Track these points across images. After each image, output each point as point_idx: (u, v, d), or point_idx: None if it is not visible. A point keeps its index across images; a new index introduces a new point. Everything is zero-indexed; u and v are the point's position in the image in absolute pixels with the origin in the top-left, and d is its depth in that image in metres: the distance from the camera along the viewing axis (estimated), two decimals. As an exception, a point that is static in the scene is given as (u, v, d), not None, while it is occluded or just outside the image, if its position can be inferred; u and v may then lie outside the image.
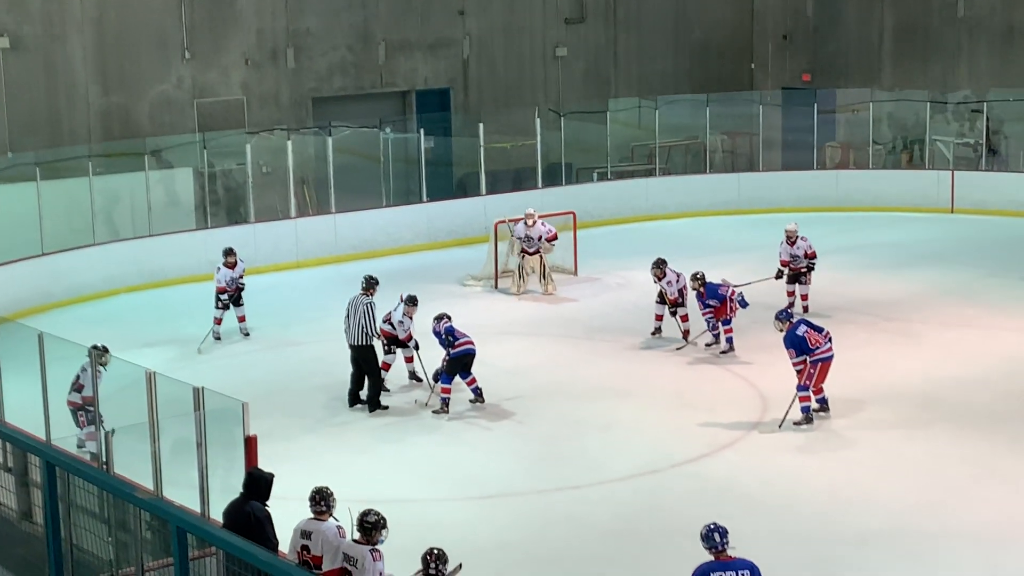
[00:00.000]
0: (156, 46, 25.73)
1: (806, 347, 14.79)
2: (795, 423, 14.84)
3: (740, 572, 8.86)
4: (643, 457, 14.27)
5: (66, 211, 22.57)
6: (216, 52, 26.35)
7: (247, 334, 19.25)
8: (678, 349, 17.92)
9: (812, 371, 14.83)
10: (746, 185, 28.23)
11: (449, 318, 16.01)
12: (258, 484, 9.69)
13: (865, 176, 28.41)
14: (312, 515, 9.57)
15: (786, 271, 19.37)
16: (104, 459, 9.60)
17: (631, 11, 31.87)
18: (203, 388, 9.59)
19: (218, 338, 19.04)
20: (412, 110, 28.86)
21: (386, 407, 15.96)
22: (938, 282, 21.36)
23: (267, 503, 9.68)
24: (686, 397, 16.14)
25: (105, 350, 13.36)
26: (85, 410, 13.48)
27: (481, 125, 26.35)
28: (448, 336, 15.77)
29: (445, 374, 15.82)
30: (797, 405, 14.86)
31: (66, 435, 10.53)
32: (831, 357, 14.94)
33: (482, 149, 26.16)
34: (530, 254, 21.26)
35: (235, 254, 19.19)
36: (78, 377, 13.62)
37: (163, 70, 25.82)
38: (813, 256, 19.40)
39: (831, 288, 20.95)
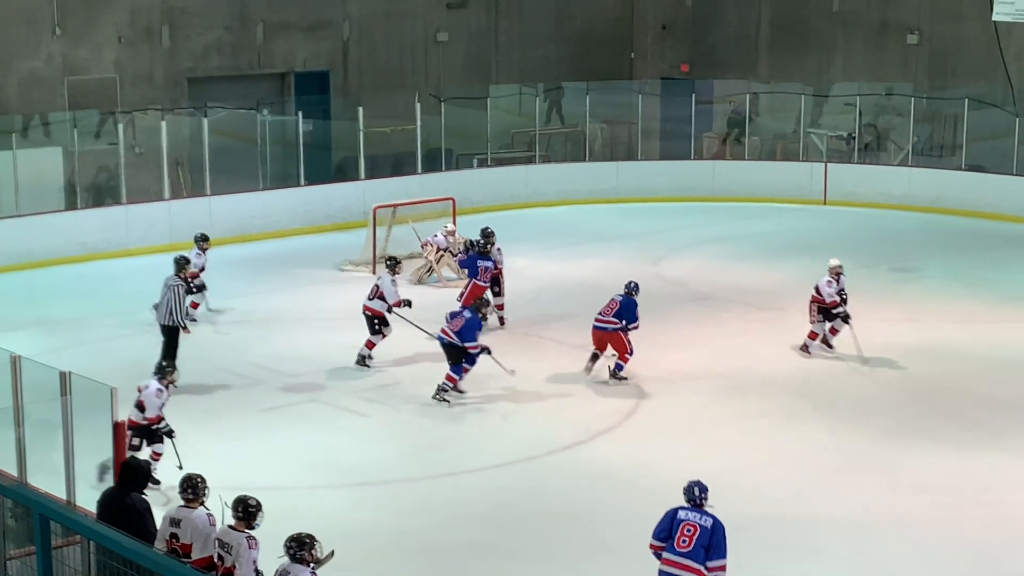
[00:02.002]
0: (25, 21, 25.03)
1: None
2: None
3: (703, 517, 9.61)
4: (520, 443, 14.26)
5: (-70, 189, 21.92)
6: (88, 29, 25.71)
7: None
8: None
9: None
10: (625, 174, 28.41)
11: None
12: (136, 474, 9.46)
13: (741, 167, 28.77)
14: (182, 503, 9.37)
15: (841, 309, 17.07)
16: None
17: (513, -2, 31.88)
18: (70, 372, 9.36)
19: (194, 320, 18.37)
20: (290, 92, 28.52)
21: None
22: (811, 272, 21.50)
23: (144, 492, 9.47)
24: (563, 383, 16.16)
25: (173, 368, 12.93)
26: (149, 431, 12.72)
27: (360, 109, 26.14)
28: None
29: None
30: None
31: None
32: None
33: (361, 133, 25.93)
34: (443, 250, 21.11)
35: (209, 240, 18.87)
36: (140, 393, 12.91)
37: (32, 46, 25.12)
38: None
39: (706, 277, 21.20)
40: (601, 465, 13.67)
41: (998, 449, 14.00)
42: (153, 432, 12.77)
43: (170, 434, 12.81)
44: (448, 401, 15.42)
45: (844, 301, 17.06)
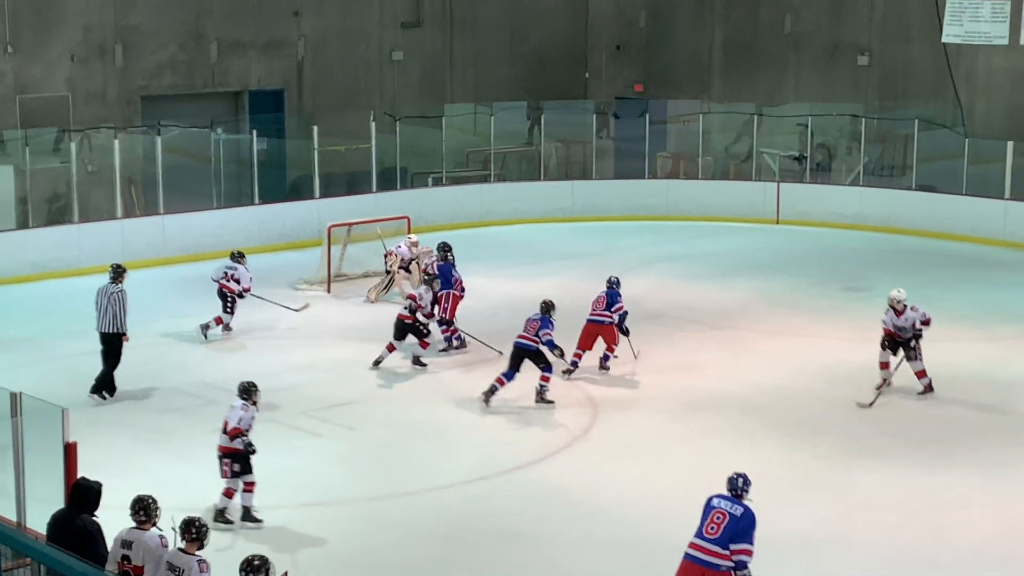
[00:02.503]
0: (-24, 39, 24.91)
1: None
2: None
3: (735, 506, 10.00)
4: (473, 463, 14.27)
5: None
6: (40, 46, 25.57)
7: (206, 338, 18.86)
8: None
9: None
10: (579, 193, 28.51)
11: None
12: (87, 495, 9.38)
13: (694, 186, 28.93)
14: (133, 524, 9.32)
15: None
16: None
17: (467, 17, 31.96)
18: (21, 393, 9.30)
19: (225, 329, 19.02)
20: (245, 111, 28.47)
21: (104, 397, 16.01)
22: (764, 291, 21.83)
23: (96, 514, 9.40)
24: (518, 403, 16.18)
25: (255, 388, 12.91)
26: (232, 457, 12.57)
27: (315, 127, 26.09)
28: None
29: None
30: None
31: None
32: None
33: (316, 152, 25.90)
34: (404, 268, 21.03)
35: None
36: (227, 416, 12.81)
37: (-16, 64, 25.00)
38: (926, 323, 16.12)
39: (660, 295, 21.30)
40: (555, 485, 13.69)
41: (948, 467, 14.14)
42: (246, 458, 12.55)
43: (248, 448, 12.55)
44: (552, 401, 16.03)
45: (916, 336, 16.01)
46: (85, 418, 14.74)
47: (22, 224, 23.51)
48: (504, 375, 15.99)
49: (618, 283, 17.51)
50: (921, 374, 16.23)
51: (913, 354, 16.10)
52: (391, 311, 20.51)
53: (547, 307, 16.33)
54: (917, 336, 16.06)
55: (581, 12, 34.13)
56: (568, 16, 33.91)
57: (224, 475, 12.58)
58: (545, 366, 16.06)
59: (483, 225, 27.24)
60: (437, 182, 28.39)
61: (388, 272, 21.11)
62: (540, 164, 29.49)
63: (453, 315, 18.40)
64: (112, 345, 16.13)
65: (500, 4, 32.48)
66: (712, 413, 15.85)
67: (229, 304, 18.79)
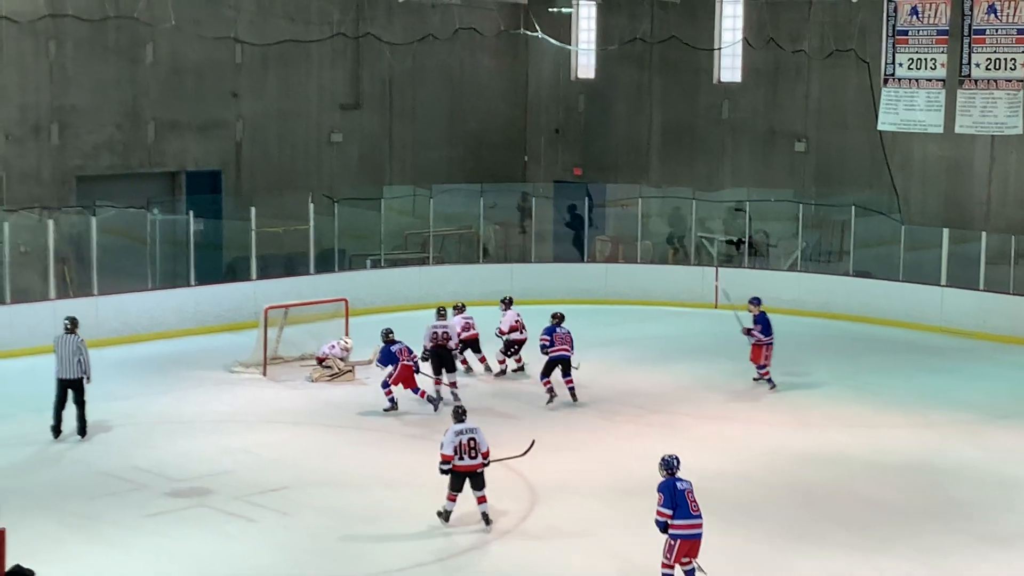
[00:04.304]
0: (-91, 116, 24.62)
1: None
2: None
3: (686, 481, 12.20)
4: (410, 550, 14.05)
5: None
6: (-26, 125, 25.33)
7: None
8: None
9: None
10: (518, 276, 28.48)
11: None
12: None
13: (633, 270, 29.02)
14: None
15: None
16: None
17: (407, 100, 32.08)
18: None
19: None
20: (182, 191, 28.28)
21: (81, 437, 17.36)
22: (702, 376, 21.83)
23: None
24: (456, 488, 15.97)
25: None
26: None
27: (253, 208, 25.94)
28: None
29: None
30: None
31: None
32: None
33: (253, 233, 25.72)
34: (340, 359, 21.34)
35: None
36: None
37: (-84, 141, 24.69)
38: None
39: (599, 379, 21.22)
40: (493, 571, 13.49)
41: (887, 555, 14.08)
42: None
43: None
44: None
45: None
46: (10, 503, 14.41)
47: (-48, 304, 23.11)
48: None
49: (759, 302, 20.99)
50: None
51: None
52: (327, 395, 20.36)
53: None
54: None
55: (520, 95, 34.38)
56: (507, 99, 34.15)
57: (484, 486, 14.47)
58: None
59: (421, 308, 27.03)
60: (375, 264, 28.30)
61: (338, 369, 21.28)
62: (479, 247, 29.48)
63: (397, 383, 19.08)
64: (77, 389, 17.49)
65: (439, 87, 32.64)
66: (650, 498, 15.68)
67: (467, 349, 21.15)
